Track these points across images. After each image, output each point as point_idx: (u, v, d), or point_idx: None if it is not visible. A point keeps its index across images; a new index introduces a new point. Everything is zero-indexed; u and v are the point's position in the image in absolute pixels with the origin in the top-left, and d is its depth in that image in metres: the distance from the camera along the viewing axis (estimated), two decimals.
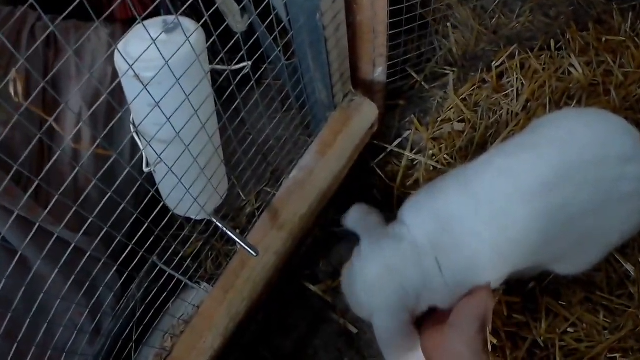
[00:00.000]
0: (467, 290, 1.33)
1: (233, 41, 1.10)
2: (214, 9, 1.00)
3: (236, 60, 1.10)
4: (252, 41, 1.16)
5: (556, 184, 1.29)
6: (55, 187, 1.05)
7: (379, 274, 1.33)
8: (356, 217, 1.45)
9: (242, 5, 1.77)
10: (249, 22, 1.83)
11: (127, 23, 1.82)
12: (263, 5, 1.19)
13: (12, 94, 0.88)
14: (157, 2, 1.73)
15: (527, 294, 1.71)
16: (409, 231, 1.34)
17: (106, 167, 0.94)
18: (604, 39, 2.18)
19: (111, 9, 0.82)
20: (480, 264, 1.31)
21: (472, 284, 1.32)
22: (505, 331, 1.64)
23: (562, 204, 1.30)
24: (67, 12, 0.71)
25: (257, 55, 1.15)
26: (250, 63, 1.09)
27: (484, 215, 1.30)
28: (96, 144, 0.93)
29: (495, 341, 1.63)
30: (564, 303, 1.69)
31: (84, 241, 1.11)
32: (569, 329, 1.66)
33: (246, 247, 1.30)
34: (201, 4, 0.99)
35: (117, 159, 0.90)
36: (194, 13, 1.29)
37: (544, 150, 1.35)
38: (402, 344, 1.35)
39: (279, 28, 1.29)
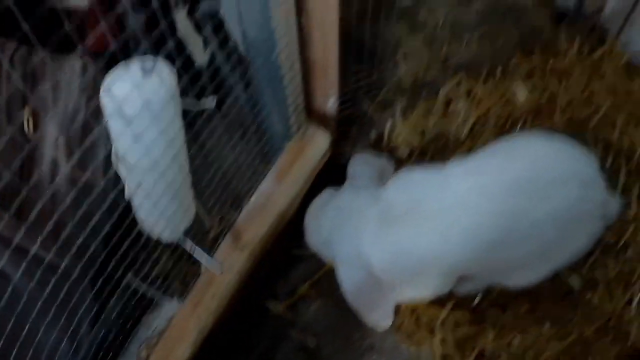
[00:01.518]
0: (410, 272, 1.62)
1: (189, 75, 1.30)
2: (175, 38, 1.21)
3: (204, 95, 1.32)
4: (216, 80, 1.37)
5: (522, 190, 1.53)
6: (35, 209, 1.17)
7: (346, 217, 1.64)
8: (357, 163, 1.78)
9: (203, 39, 1.96)
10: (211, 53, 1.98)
11: (98, 55, 1.90)
12: (228, 43, 1.40)
13: (26, 130, 1.12)
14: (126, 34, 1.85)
15: (475, 307, 1.92)
16: (386, 197, 1.63)
17: (75, 192, 1.12)
18: (550, 64, 2.42)
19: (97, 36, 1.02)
20: (431, 248, 1.58)
21: (417, 267, 1.60)
22: (453, 342, 1.86)
23: (525, 210, 1.53)
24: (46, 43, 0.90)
25: (220, 91, 1.37)
26: (215, 97, 1.34)
27: (447, 201, 1.56)
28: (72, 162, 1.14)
29: (442, 351, 1.85)
30: (510, 314, 1.91)
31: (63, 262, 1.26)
32: (515, 340, 1.88)
33: (212, 266, 1.55)
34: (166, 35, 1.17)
35: (92, 185, 1.11)
36: (158, 45, 1.41)
37: (516, 159, 1.60)
38: (371, 296, 1.62)
39: (242, 64, 1.52)
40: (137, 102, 1.12)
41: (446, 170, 1.65)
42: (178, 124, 1.27)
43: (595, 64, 2.48)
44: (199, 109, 1.34)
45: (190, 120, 1.37)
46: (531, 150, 1.64)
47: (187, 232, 1.53)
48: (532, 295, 1.94)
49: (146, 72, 1.16)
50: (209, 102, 1.36)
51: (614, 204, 1.68)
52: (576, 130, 2.25)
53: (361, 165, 1.84)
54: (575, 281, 1.98)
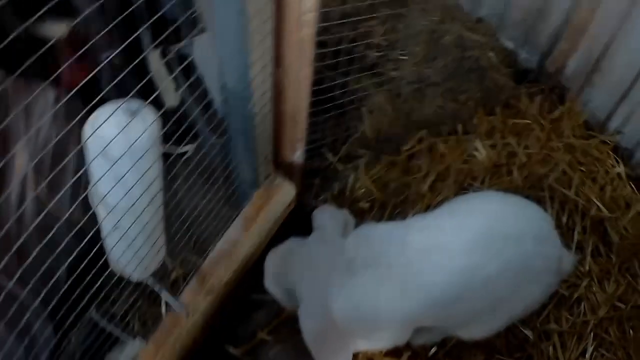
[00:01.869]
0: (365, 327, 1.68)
1: (169, 121, 1.33)
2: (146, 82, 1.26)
3: (185, 142, 1.38)
4: (187, 123, 1.43)
5: (477, 247, 1.62)
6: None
7: (312, 267, 1.71)
8: (323, 216, 1.84)
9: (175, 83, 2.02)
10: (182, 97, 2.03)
11: (71, 88, 1.89)
12: (199, 90, 1.48)
13: None
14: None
15: (430, 357, 2.00)
16: (348, 250, 1.70)
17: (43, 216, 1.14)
18: (510, 122, 2.54)
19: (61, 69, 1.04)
20: (390, 302, 1.64)
21: (376, 319, 1.67)
22: None
23: (481, 266, 1.61)
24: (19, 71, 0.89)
25: (199, 139, 1.44)
26: (194, 145, 1.41)
27: (406, 258, 1.64)
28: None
29: None
30: None
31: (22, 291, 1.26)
32: None
33: (178, 308, 1.61)
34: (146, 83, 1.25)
35: (59, 216, 1.13)
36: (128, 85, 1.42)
37: (473, 217, 1.69)
38: (330, 343, 1.68)
39: (211, 110, 1.58)
40: (122, 144, 1.17)
41: (406, 226, 1.74)
42: (158, 168, 1.32)
43: (554, 122, 2.60)
44: (179, 153, 1.39)
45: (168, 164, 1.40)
46: (487, 208, 1.74)
47: (154, 274, 1.58)
48: (487, 347, 2.02)
49: (132, 114, 1.21)
50: (189, 147, 1.43)
51: (568, 259, 1.77)
52: (533, 187, 2.35)
53: (325, 217, 1.91)
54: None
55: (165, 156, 1.40)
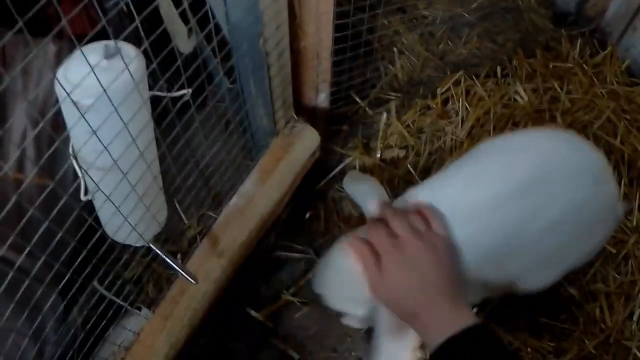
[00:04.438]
0: None
1: (175, 67, 1.13)
2: (161, 29, 1.03)
3: (177, 86, 1.15)
4: (194, 65, 1.19)
5: (527, 192, 1.34)
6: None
7: None
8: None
9: (189, 27, 1.82)
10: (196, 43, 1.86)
11: (77, 39, 1.83)
12: (209, 27, 1.23)
13: None
14: (105, 20, 1.78)
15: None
16: None
17: (44, 195, 0.95)
18: (551, 66, 2.29)
19: (60, 25, 0.86)
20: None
21: None
22: None
23: (533, 213, 1.34)
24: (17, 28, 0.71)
25: (198, 82, 1.19)
26: (190, 90, 1.15)
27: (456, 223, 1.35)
28: (35, 173, 0.98)
29: None
30: (508, 328, 1.76)
31: (29, 263, 1.13)
32: None
33: (185, 276, 1.33)
34: (140, 27, 1.01)
35: (61, 185, 0.92)
36: (140, 33, 1.35)
37: (518, 160, 1.40)
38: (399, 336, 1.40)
39: (223, 52, 1.32)
40: (94, 89, 0.93)
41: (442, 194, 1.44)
42: (145, 117, 1.09)
43: (596, 68, 2.36)
44: (173, 97, 1.13)
45: (168, 111, 1.19)
46: (537, 145, 1.46)
47: (158, 237, 1.38)
48: (531, 309, 1.82)
49: (109, 55, 0.99)
50: (185, 92, 1.13)
51: (619, 207, 1.51)
52: (578, 134, 2.07)
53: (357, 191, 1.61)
54: None
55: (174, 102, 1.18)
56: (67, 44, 1.80)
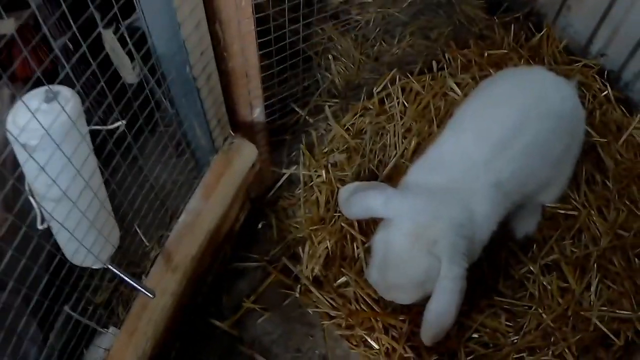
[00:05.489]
0: None
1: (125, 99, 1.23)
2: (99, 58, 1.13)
3: (111, 118, 1.23)
4: (142, 97, 1.32)
5: (522, 126, 1.63)
6: None
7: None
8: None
9: (139, 56, 1.90)
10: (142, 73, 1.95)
11: (28, 82, 1.88)
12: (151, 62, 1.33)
13: None
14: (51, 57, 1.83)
15: None
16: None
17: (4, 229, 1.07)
18: (486, 54, 2.38)
19: (12, 68, 0.93)
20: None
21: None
22: (409, 345, 1.78)
23: (532, 140, 1.63)
24: None
25: (130, 113, 1.29)
26: (124, 122, 1.25)
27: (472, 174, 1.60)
28: None
29: (403, 353, 1.77)
30: (466, 309, 1.82)
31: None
32: (473, 335, 1.83)
33: (143, 290, 1.46)
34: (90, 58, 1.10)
35: (22, 218, 1.04)
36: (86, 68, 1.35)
37: (506, 103, 1.72)
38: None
39: (153, 80, 1.44)
40: (39, 131, 1.05)
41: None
42: (86, 150, 1.20)
43: (533, 50, 2.46)
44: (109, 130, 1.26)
45: (122, 139, 1.31)
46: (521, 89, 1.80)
47: (115, 258, 1.45)
48: (487, 291, 1.91)
49: (49, 99, 1.09)
50: (119, 124, 1.23)
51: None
52: None
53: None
54: None
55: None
56: (21, 86, 1.82)
